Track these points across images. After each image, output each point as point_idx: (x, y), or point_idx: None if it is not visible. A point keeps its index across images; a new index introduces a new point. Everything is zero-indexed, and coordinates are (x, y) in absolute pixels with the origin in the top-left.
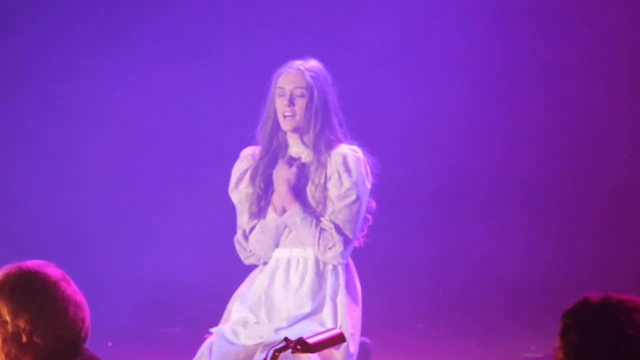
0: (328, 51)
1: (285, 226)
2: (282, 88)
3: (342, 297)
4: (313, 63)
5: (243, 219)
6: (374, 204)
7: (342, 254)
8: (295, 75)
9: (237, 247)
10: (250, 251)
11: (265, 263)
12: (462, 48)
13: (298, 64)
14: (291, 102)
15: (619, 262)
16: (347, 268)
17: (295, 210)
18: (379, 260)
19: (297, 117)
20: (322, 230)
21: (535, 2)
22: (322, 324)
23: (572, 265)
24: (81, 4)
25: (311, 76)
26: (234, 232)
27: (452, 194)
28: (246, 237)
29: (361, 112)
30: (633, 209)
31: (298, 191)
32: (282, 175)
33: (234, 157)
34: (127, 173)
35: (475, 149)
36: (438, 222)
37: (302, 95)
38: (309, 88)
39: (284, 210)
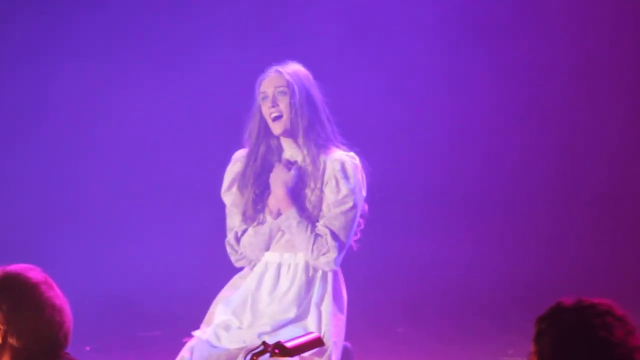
0: (316, 54)
1: (279, 229)
2: (264, 92)
3: (327, 305)
4: (292, 64)
5: (235, 221)
6: (366, 207)
7: (336, 260)
8: (275, 77)
9: (229, 249)
10: (242, 254)
11: (252, 267)
12: (451, 52)
13: (275, 67)
14: (274, 103)
15: (600, 267)
16: (335, 275)
17: (291, 214)
18: (359, 264)
19: (284, 117)
20: (317, 235)
21: (516, 8)
22: (305, 330)
23: (553, 270)
24: (75, 3)
25: (289, 74)
26: (217, 234)
27: (434, 199)
28: (238, 240)
29: (347, 115)
30: (616, 214)
31: (295, 195)
32: (280, 178)
33: (222, 159)
34: (110, 176)
35: (462, 153)
36: (418, 227)
37: (283, 93)
38: (289, 85)
39: (279, 214)
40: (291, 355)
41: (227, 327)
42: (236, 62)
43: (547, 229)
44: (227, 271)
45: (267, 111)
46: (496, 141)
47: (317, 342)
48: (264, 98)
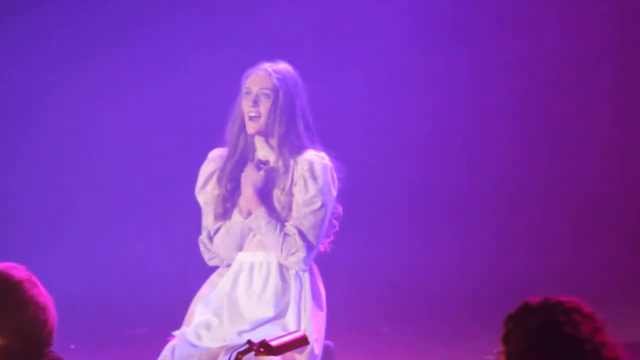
0: (305, 53)
1: (250, 229)
2: (249, 88)
3: (306, 302)
4: (282, 65)
5: (208, 220)
6: (340, 210)
7: (305, 260)
8: (263, 77)
9: (202, 247)
10: (214, 252)
11: (228, 265)
12: (434, 51)
13: (267, 65)
14: (255, 103)
15: (581, 267)
16: (311, 273)
17: (260, 214)
18: (344, 263)
19: (261, 120)
20: (286, 235)
21: (507, 8)
22: (285, 328)
23: (538, 269)
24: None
25: (278, 78)
26: (199, 233)
27: (419, 199)
28: (211, 239)
29: (329, 116)
30: (609, 215)
31: (264, 195)
32: (250, 178)
33: (203, 158)
34: (94, 174)
35: (444, 154)
36: (405, 226)
37: (267, 96)
38: (274, 90)
39: (249, 213)
40: (276, 354)
41: (207, 326)
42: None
43: (534, 229)
44: (210, 270)
45: (247, 108)
46: (482, 141)
47: (302, 341)
48: (247, 93)
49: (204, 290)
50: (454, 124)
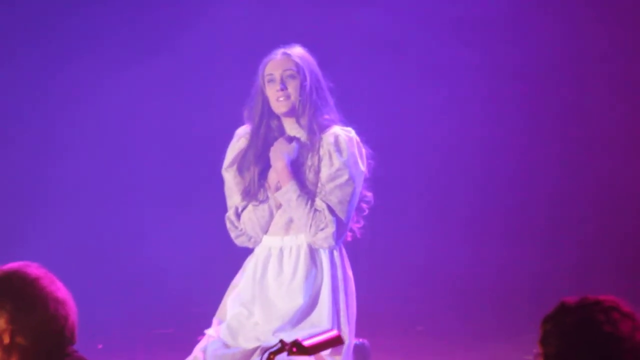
0: (317, 39)
1: (279, 207)
2: (271, 74)
3: (338, 289)
4: (297, 47)
5: (236, 197)
6: (370, 195)
7: (334, 235)
8: (282, 60)
9: (228, 225)
10: (242, 230)
11: (255, 245)
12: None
13: (282, 50)
14: (283, 85)
15: (620, 266)
16: (341, 256)
17: (291, 187)
18: (376, 258)
19: (292, 98)
20: (315, 210)
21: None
22: (318, 319)
23: (579, 268)
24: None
25: (299, 57)
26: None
27: (458, 193)
28: (238, 216)
29: (351, 105)
30: (625, 212)
31: (295, 168)
32: (281, 150)
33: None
34: (115, 173)
35: (475, 153)
36: (441, 221)
37: (292, 77)
38: (298, 69)
39: (278, 188)
40: (309, 354)
41: (239, 323)
42: (241, 60)
43: (569, 226)
44: (239, 265)
45: (274, 94)
46: (502, 138)
47: (336, 341)
48: (271, 80)
49: (236, 279)
50: (470, 121)
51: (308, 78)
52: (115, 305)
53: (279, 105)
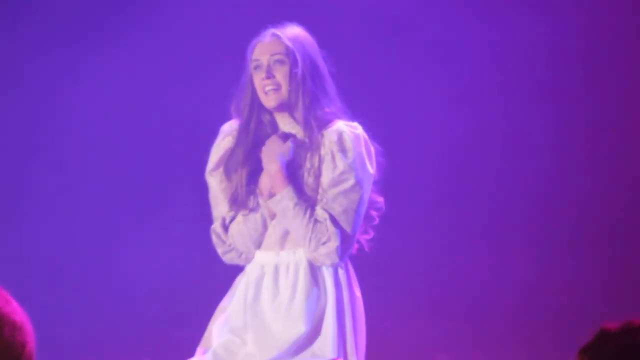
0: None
1: (273, 216)
2: (258, 60)
3: (344, 313)
4: (291, 27)
5: (223, 206)
6: (381, 201)
7: (338, 250)
8: (270, 43)
9: (214, 239)
10: (230, 244)
11: (247, 261)
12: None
13: (272, 30)
14: (270, 74)
15: None
16: (347, 274)
17: (287, 194)
18: (389, 275)
19: (282, 89)
20: (316, 221)
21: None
22: (321, 350)
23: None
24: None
25: (290, 39)
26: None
27: (485, 198)
28: (226, 228)
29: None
30: None
31: (291, 172)
32: (274, 151)
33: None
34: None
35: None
36: (466, 232)
37: (281, 62)
38: (288, 53)
39: (272, 195)
40: None
41: (230, 353)
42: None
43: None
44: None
45: (260, 83)
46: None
47: None
48: (257, 67)
49: (225, 302)
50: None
51: (300, 63)
52: (80, 330)
53: (266, 97)
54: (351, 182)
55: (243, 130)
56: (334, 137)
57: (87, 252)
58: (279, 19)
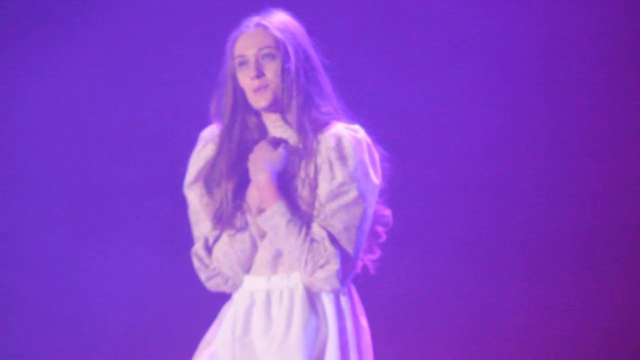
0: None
1: (264, 235)
2: (243, 55)
3: (348, 346)
4: (277, 14)
5: (205, 225)
6: (388, 215)
7: (339, 274)
8: (256, 35)
9: (196, 263)
10: (215, 269)
11: (230, 288)
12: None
13: (256, 19)
14: (259, 71)
15: None
16: (351, 300)
17: (278, 209)
18: (399, 301)
19: (273, 87)
20: (312, 241)
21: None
22: None
23: None
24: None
25: (278, 29)
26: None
27: (509, 208)
28: (209, 250)
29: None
30: None
31: (283, 184)
32: (263, 159)
33: None
34: (40, 187)
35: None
36: (487, 248)
37: (271, 57)
38: (279, 45)
39: (261, 211)
40: None
41: None
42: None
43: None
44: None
45: (248, 82)
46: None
47: None
48: (242, 63)
49: (210, 335)
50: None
51: (292, 57)
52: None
53: (256, 98)
54: (352, 194)
55: (226, 136)
56: (332, 143)
57: (50, 266)
58: (262, 4)
